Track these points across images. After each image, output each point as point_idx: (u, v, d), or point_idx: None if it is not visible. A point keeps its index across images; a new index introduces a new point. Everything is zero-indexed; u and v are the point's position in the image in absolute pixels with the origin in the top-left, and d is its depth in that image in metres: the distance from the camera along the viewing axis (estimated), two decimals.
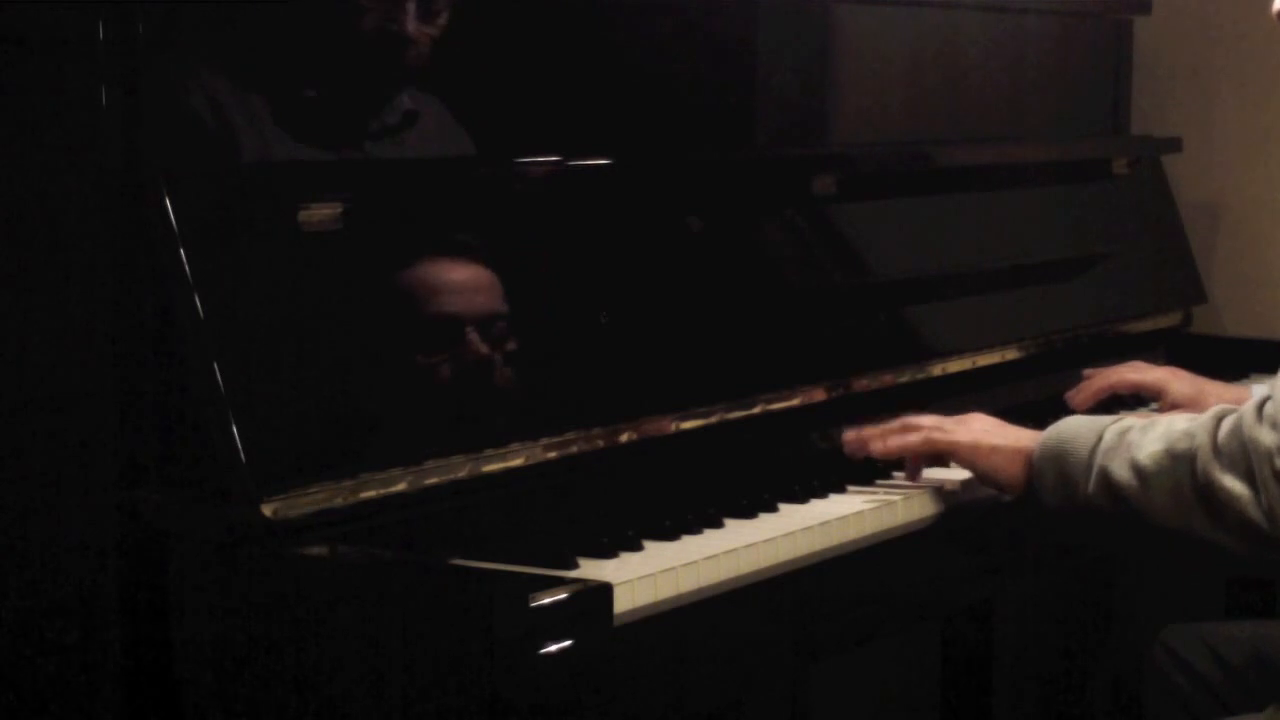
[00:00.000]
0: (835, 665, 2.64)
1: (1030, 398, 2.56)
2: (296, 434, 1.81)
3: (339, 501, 1.80)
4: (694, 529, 1.94)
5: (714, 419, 2.17)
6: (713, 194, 2.35)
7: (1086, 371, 2.60)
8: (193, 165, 1.89)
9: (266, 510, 1.75)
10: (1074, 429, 2.00)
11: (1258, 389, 2.46)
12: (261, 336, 1.82)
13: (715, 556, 1.85)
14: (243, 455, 1.75)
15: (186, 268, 1.79)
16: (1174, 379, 2.53)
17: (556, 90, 2.26)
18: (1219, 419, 1.85)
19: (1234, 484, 1.80)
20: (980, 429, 2.11)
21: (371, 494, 1.82)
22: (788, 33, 2.58)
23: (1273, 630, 2.37)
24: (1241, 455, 1.79)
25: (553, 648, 1.60)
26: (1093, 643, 3.26)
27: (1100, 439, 1.95)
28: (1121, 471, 1.91)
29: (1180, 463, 1.85)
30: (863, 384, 2.38)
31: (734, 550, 1.87)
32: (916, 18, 2.80)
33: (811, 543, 1.96)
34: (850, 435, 2.17)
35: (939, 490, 2.14)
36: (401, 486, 1.85)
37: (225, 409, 1.76)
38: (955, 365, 2.56)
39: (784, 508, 2.05)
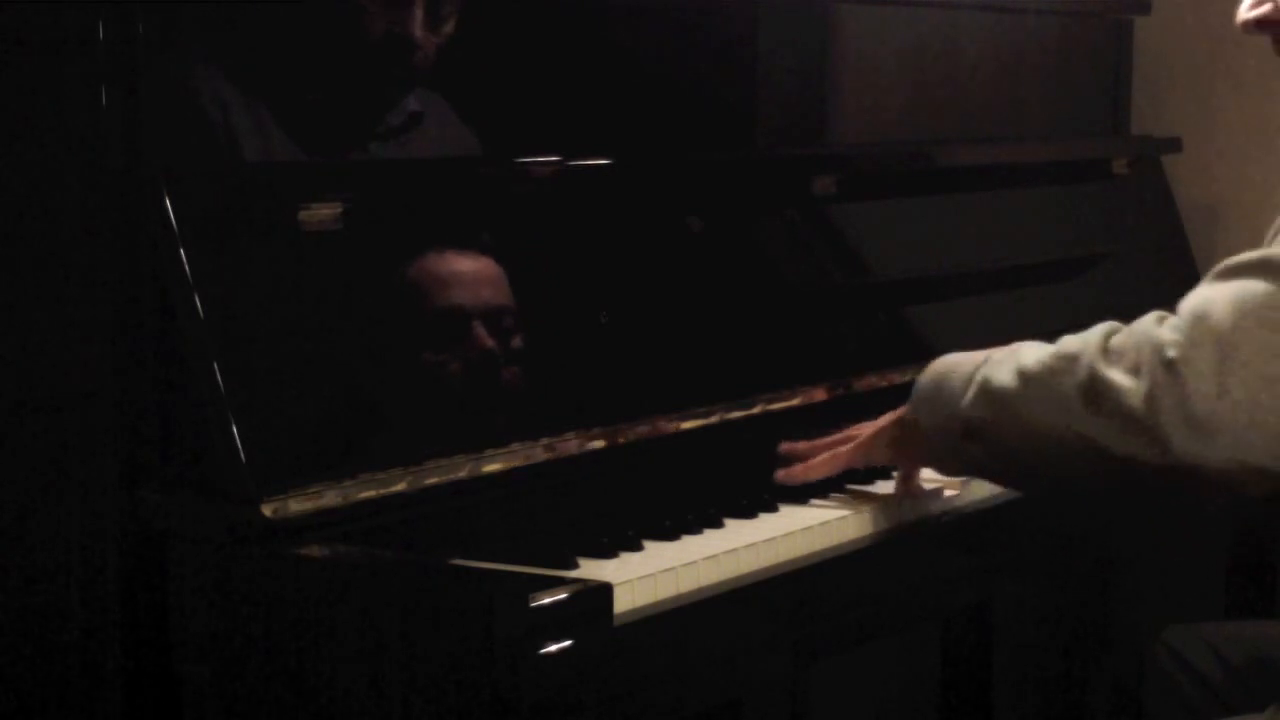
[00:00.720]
0: (835, 665, 2.64)
1: None
2: (296, 434, 1.81)
3: (339, 501, 1.80)
4: (694, 529, 1.94)
5: (714, 419, 2.17)
6: (713, 194, 2.35)
7: None
8: (193, 165, 1.89)
9: (266, 510, 1.75)
10: (960, 355, 1.96)
11: None
12: (261, 336, 1.82)
13: (715, 556, 1.85)
14: (243, 455, 1.75)
15: (186, 268, 1.79)
16: None
17: (557, 90, 2.26)
18: (1112, 330, 1.81)
19: (1118, 375, 1.75)
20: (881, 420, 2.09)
21: (371, 494, 1.82)
22: (788, 33, 2.58)
23: (1274, 630, 2.37)
24: (1133, 350, 1.75)
25: (553, 648, 1.60)
26: (1093, 643, 3.26)
27: (988, 358, 1.91)
28: (1004, 376, 1.85)
29: (1066, 361, 1.81)
30: (863, 384, 2.38)
31: (734, 550, 1.87)
32: (916, 18, 2.80)
33: (812, 543, 1.96)
34: (782, 475, 2.12)
35: (938, 491, 2.14)
36: (401, 486, 1.85)
37: (225, 409, 1.76)
38: None
39: (784, 508, 2.05)
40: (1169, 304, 3.07)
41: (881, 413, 2.24)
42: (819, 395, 2.31)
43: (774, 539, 1.92)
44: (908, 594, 2.14)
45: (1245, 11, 1.99)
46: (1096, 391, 1.77)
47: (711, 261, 2.31)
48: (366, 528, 1.81)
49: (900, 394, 2.43)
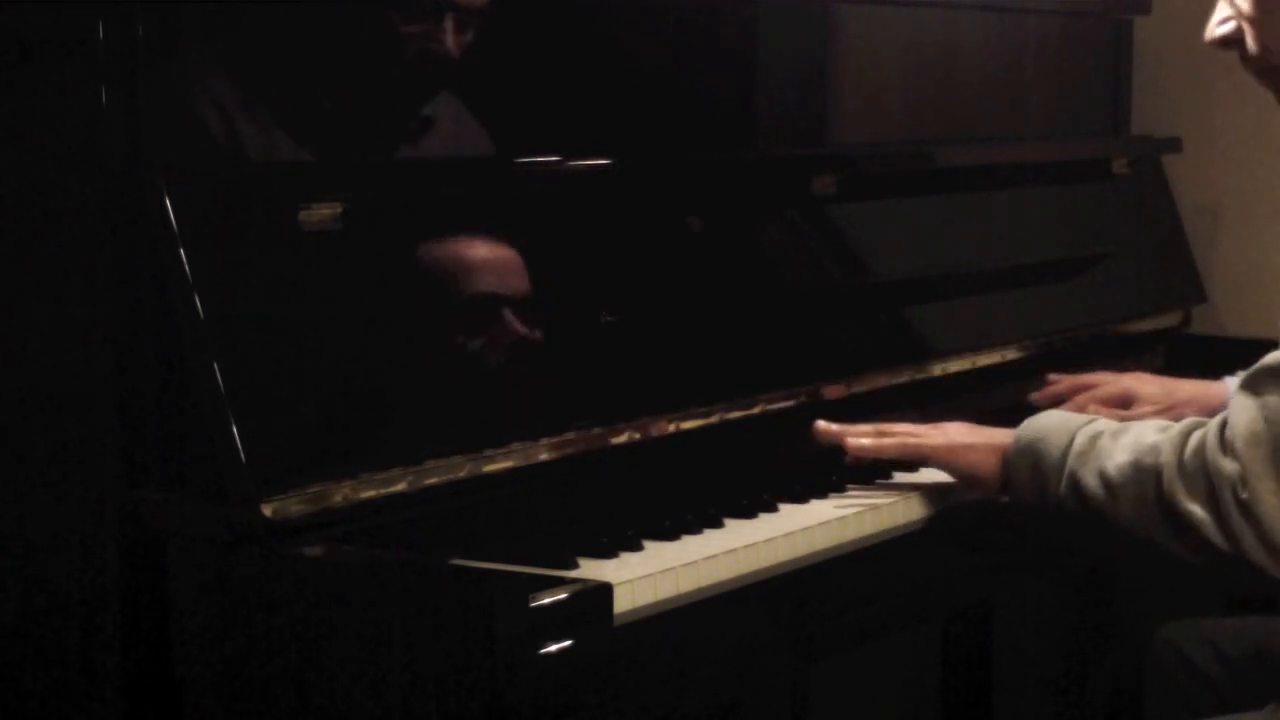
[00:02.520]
0: (835, 665, 2.64)
1: (1030, 398, 2.56)
2: (296, 434, 1.81)
3: (339, 501, 1.80)
4: (694, 529, 1.94)
5: (714, 419, 2.17)
6: (713, 194, 2.35)
7: (1051, 376, 2.59)
8: (193, 165, 1.89)
9: (266, 510, 1.75)
10: (1047, 427, 2.01)
11: (1231, 382, 2.46)
12: (261, 336, 1.82)
13: (715, 556, 1.85)
14: (243, 455, 1.75)
15: (186, 268, 1.79)
16: (1140, 383, 2.53)
17: (557, 91, 2.26)
18: (1187, 435, 1.87)
19: (1196, 509, 1.84)
20: (955, 431, 2.13)
21: (371, 494, 1.82)
22: (788, 33, 2.58)
23: (1274, 626, 2.36)
24: (1204, 479, 1.82)
25: (553, 648, 1.60)
26: (1093, 642, 3.26)
27: (1072, 440, 1.96)
28: (1090, 479, 1.93)
29: (1146, 476, 1.88)
30: (863, 384, 2.38)
31: (734, 550, 1.87)
32: (916, 18, 2.80)
33: (811, 543, 1.96)
34: (823, 425, 2.17)
35: (939, 490, 2.14)
36: (401, 486, 1.85)
37: (225, 409, 1.76)
38: (955, 365, 2.56)
39: (784, 508, 2.05)
40: (1169, 304, 3.07)
41: (882, 412, 2.25)
42: (819, 395, 2.30)
43: (774, 539, 1.92)
44: (908, 594, 2.14)
45: (1212, 29, 2.05)
46: (1179, 521, 1.87)
47: (712, 261, 2.31)
48: (366, 528, 1.81)
49: (901, 394, 2.43)
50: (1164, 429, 1.91)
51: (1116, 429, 1.95)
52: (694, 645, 1.82)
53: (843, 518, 2.02)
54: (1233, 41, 2.04)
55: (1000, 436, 2.08)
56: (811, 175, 2.48)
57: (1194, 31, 3.24)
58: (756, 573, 1.88)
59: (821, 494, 2.10)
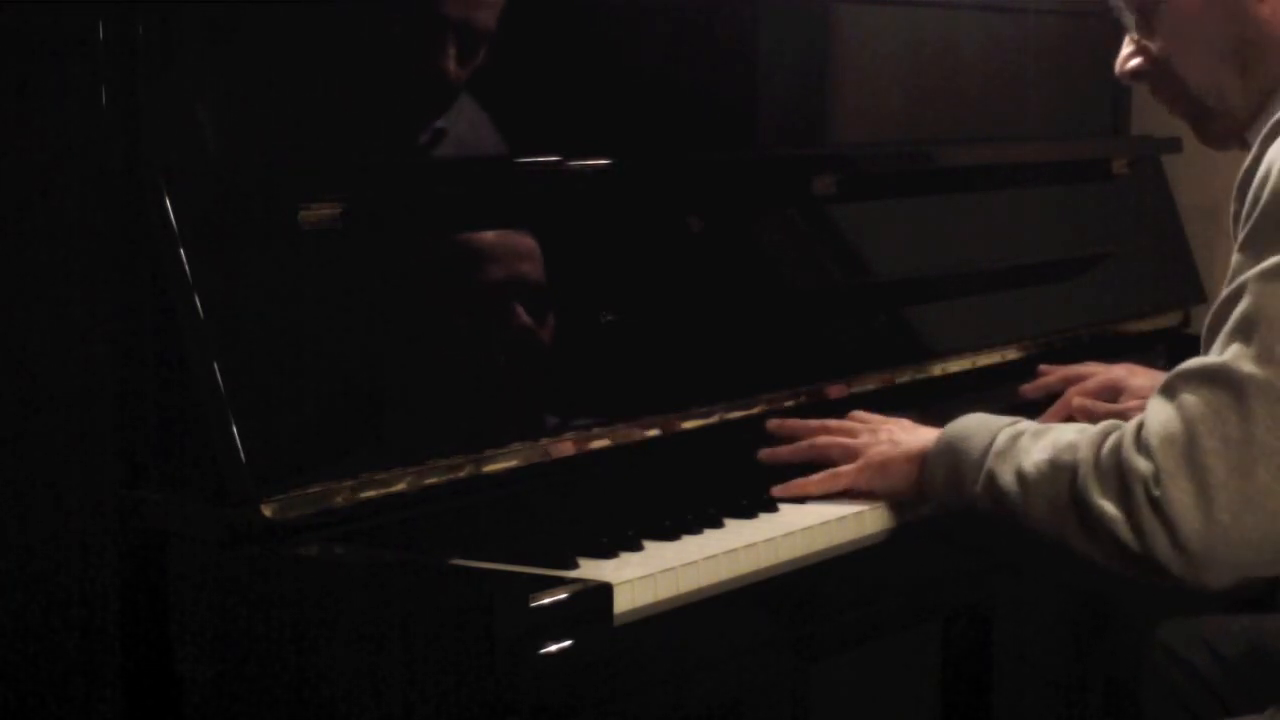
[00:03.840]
0: (835, 665, 2.64)
1: (1030, 398, 2.56)
2: (297, 434, 1.81)
3: (339, 501, 1.80)
4: (694, 529, 1.94)
5: (714, 419, 2.17)
6: (713, 194, 2.35)
7: (1042, 368, 2.59)
8: (193, 165, 1.89)
9: (266, 510, 1.75)
10: (970, 428, 2.00)
11: None
12: (261, 336, 1.82)
13: (715, 556, 1.85)
14: (243, 455, 1.75)
15: (186, 268, 1.79)
16: (1131, 375, 2.53)
17: (557, 90, 2.26)
18: (1105, 435, 1.85)
19: (1108, 506, 1.81)
20: (883, 442, 2.10)
21: (371, 494, 1.83)
22: (788, 33, 2.58)
23: (1270, 624, 2.36)
24: (1117, 477, 1.81)
25: (553, 648, 1.60)
26: (1092, 642, 3.26)
27: (994, 439, 1.95)
28: (1006, 476, 1.91)
29: (1061, 474, 1.86)
30: (863, 384, 2.38)
31: (734, 550, 1.87)
32: (916, 18, 2.80)
33: (812, 543, 1.96)
34: (766, 454, 2.16)
35: None
36: (401, 486, 1.85)
37: (225, 409, 1.76)
38: (955, 365, 2.56)
39: (784, 508, 2.04)
40: (1169, 304, 3.07)
41: (882, 412, 2.24)
42: (819, 395, 2.31)
43: (774, 539, 1.92)
44: (908, 594, 2.14)
45: (1120, 64, 2.07)
46: (1089, 519, 1.83)
47: (712, 261, 2.31)
48: (366, 528, 1.81)
49: (901, 394, 2.43)
50: (1084, 430, 1.90)
51: (1039, 429, 1.94)
52: (694, 645, 1.82)
53: (843, 518, 2.02)
54: (1141, 75, 2.06)
55: (920, 442, 2.06)
56: (811, 175, 2.48)
57: None
58: (756, 573, 1.88)
59: None
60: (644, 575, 1.77)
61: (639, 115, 2.36)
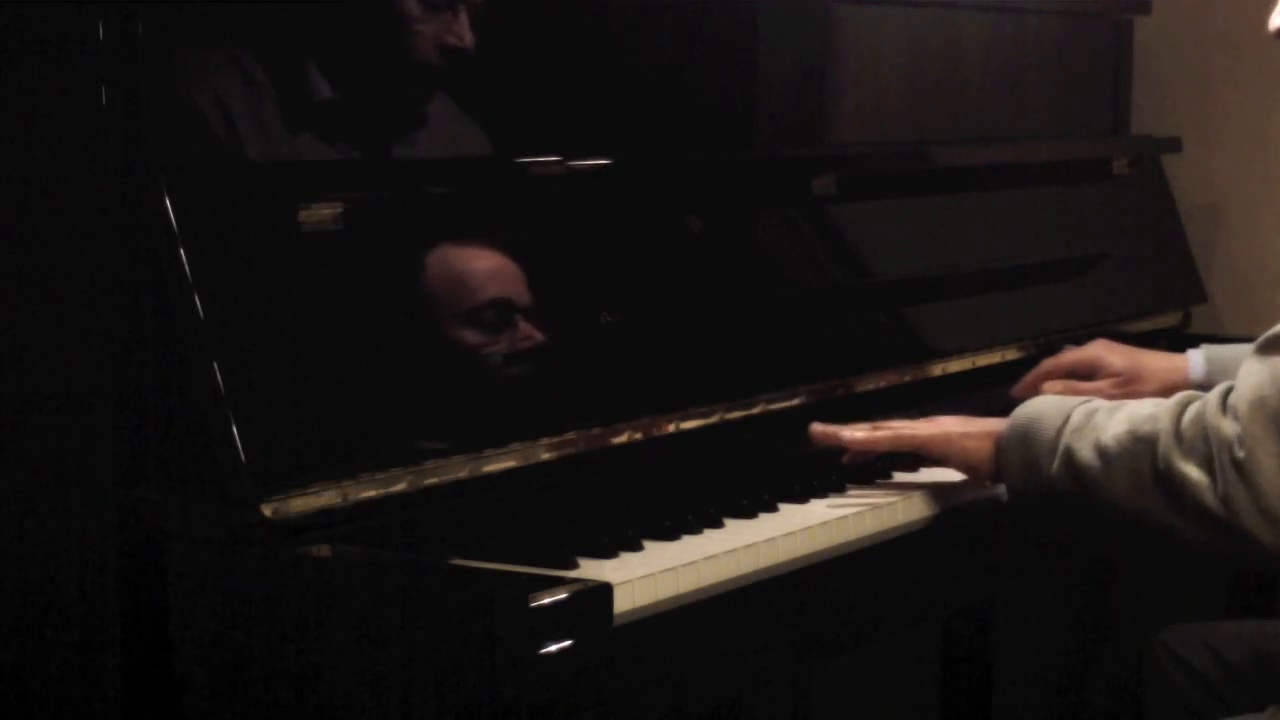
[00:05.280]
0: (835, 665, 2.64)
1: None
2: (296, 434, 1.81)
3: (339, 501, 1.80)
4: (694, 529, 1.94)
5: (714, 419, 2.17)
6: (713, 194, 2.35)
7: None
8: (192, 165, 1.89)
9: (266, 510, 1.75)
10: (1041, 409, 2.00)
11: (1195, 356, 2.46)
12: (261, 336, 1.82)
13: (715, 556, 1.85)
14: (243, 455, 1.75)
15: (186, 268, 1.79)
16: (1108, 352, 2.53)
17: (557, 91, 2.26)
18: (1184, 405, 1.85)
19: (1192, 470, 1.80)
20: (948, 422, 2.13)
21: (371, 494, 1.82)
22: (788, 33, 2.58)
23: (1273, 629, 2.37)
24: (1202, 442, 1.79)
25: (553, 648, 1.60)
26: (1093, 643, 3.26)
27: (1067, 419, 1.95)
28: (1085, 452, 1.90)
29: (1143, 445, 1.85)
30: (863, 384, 2.38)
31: (734, 550, 1.87)
32: (916, 18, 2.80)
33: (811, 543, 1.96)
34: (818, 428, 2.17)
35: (938, 490, 2.14)
36: (401, 486, 1.85)
37: (225, 409, 1.76)
38: (955, 365, 2.56)
39: (784, 508, 2.05)
40: (1169, 304, 3.07)
41: (882, 413, 2.25)
42: (819, 395, 2.30)
43: (774, 539, 1.92)
44: (908, 594, 2.15)
45: (1278, 18, 2.01)
46: (1174, 485, 1.83)
47: (712, 261, 2.31)
48: (366, 528, 1.81)
49: (901, 394, 2.43)
50: (1159, 403, 1.89)
51: (1112, 405, 1.94)
52: (694, 645, 1.82)
53: (843, 518, 2.02)
54: None
55: (995, 425, 2.07)
56: (811, 175, 2.48)
57: (1194, 31, 3.26)
58: (756, 573, 1.88)
59: (821, 494, 2.10)
60: (644, 575, 1.77)
61: (639, 115, 2.36)
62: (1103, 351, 2.53)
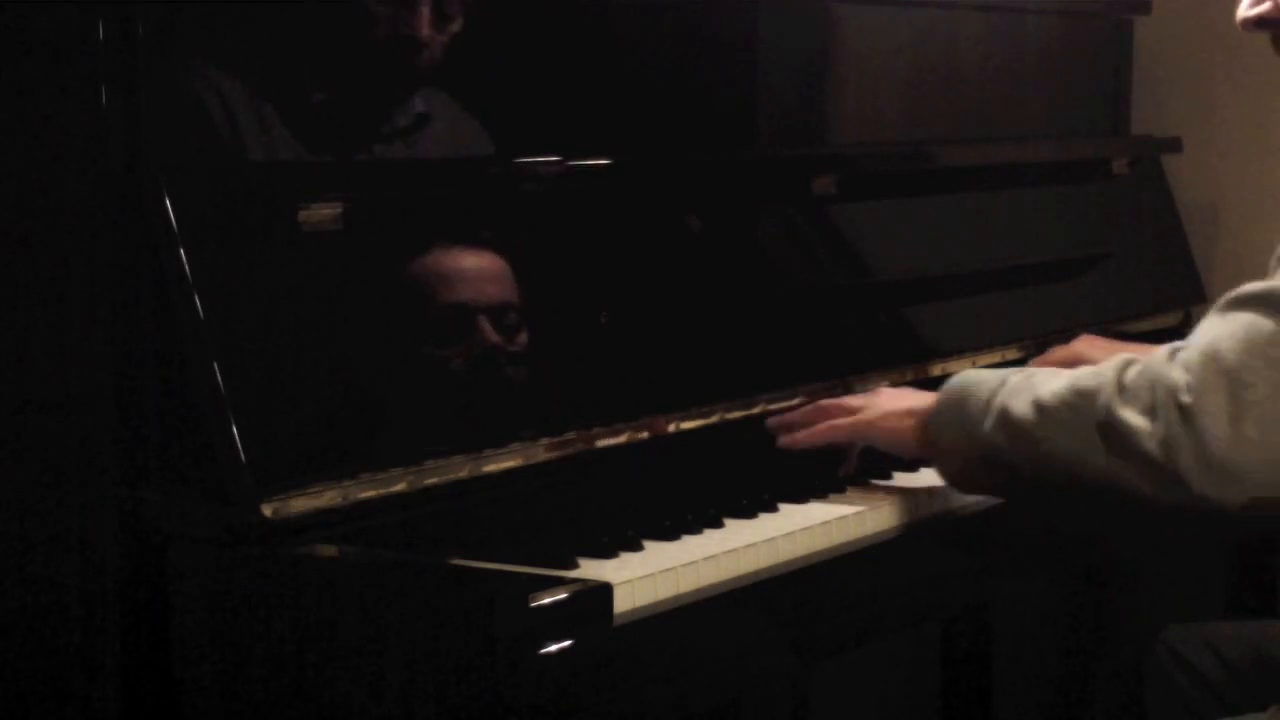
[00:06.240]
0: (835, 665, 2.64)
1: None
2: (296, 434, 1.81)
3: (339, 501, 1.80)
4: (694, 529, 1.94)
5: (714, 419, 2.17)
6: (713, 194, 2.35)
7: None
8: (192, 165, 1.89)
9: (266, 510, 1.75)
10: (978, 375, 1.98)
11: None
12: (261, 336, 1.82)
13: (715, 556, 1.85)
14: (243, 455, 1.75)
15: (186, 268, 1.79)
16: (1090, 348, 2.52)
17: (557, 91, 2.26)
18: (1128, 363, 1.83)
19: (1134, 417, 1.77)
20: (881, 399, 2.13)
21: (371, 494, 1.82)
22: (788, 33, 2.58)
23: (1274, 629, 2.37)
24: (1147, 390, 1.77)
25: (553, 648, 1.60)
26: (1093, 643, 3.26)
27: (1004, 382, 1.92)
28: (1022, 407, 1.87)
29: (1083, 398, 1.83)
30: (863, 384, 2.38)
31: (734, 550, 1.87)
32: (916, 18, 2.80)
33: (812, 543, 1.96)
34: (783, 440, 2.17)
35: (939, 490, 2.14)
36: (401, 486, 1.85)
37: (225, 409, 1.76)
38: (955, 365, 2.56)
39: (784, 508, 2.05)
40: (1169, 304, 3.07)
41: None
42: (819, 395, 2.30)
43: (774, 539, 1.92)
44: (908, 594, 2.14)
45: (1245, 10, 2.00)
46: (1114, 432, 1.79)
47: (711, 261, 2.31)
48: (366, 528, 1.81)
49: None
50: (1100, 368, 1.87)
51: (1055, 370, 1.91)
52: (694, 645, 1.82)
53: (843, 517, 2.02)
54: (1269, 21, 1.99)
55: (920, 399, 2.06)
56: (811, 175, 2.48)
57: (1194, 31, 3.26)
58: (756, 573, 1.88)
59: (821, 494, 2.10)
60: (644, 575, 1.76)
61: (639, 115, 2.36)
62: (1085, 348, 2.53)
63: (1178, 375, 1.75)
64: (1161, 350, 1.80)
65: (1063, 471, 1.84)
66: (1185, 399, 1.73)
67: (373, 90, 2.16)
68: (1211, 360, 1.74)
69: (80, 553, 1.89)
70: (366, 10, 2.10)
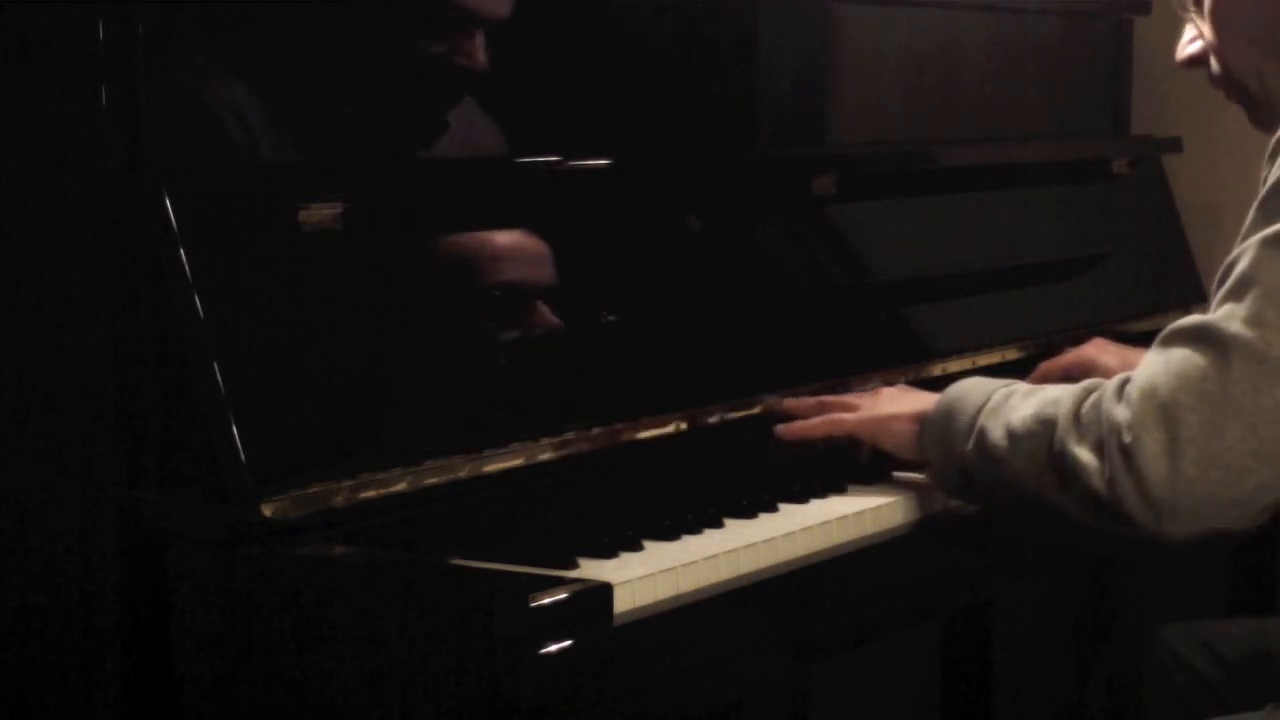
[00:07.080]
0: (835, 665, 2.64)
1: None
2: (296, 434, 1.81)
3: (339, 501, 1.80)
4: (694, 529, 1.94)
5: (714, 419, 2.17)
6: (713, 194, 2.35)
7: (1042, 366, 2.59)
8: (192, 165, 1.89)
9: (266, 510, 1.75)
10: (966, 389, 2.00)
11: None
12: (261, 336, 1.82)
13: (715, 556, 1.85)
14: (243, 455, 1.75)
15: (186, 268, 1.79)
16: (1101, 352, 2.54)
17: (557, 90, 2.26)
18: (1088, 391, 1.86)
19: (1084, 453, 1.81)
20: (884, 400, 2.14)
21: (371, 494, 1.82)
22: (788, 33, 2.58)
23: (1273, 628, 2.37)
24: (1096, 425, 1.80)
25: (553, 648, 1.60)
26: (1092, 642, 3.26)
27: (988, 399, 1.95)
28: (996, 432, 1.91)
29: (1044, 426, 1.86)
30: (863, 383, 2.38)
31: (734, 550, 1.87)
32: (916, 18, 2.80)
33: (811, 543, 1.96)
34: (780, 429, 2.19)
35: (939, 490, 2.14)
36: (401, 486, 1.85)
37: (225, 409, 1.76)
38: (955, 365, 2.56)
39: (784, 508, 2.05)
40: (1169, 304, 3.07)
41: None
42: (819, 395, 2.30)
43: (774, 539, 1.92)
44: (908, 594, 2.15)
45: (1181, 49, 2.06)
46: (1065, 468, 1.83)
47: (712, 261, 2.31)
48: (366, 528, 1.81)
49: None
50: (1069, 388, 1.89)
51: (1031, 388, 1.94)
52: (694, 645, 1.82)
53: (843, 517, 2.02)
54: (1199, 61, 2.05)
55: (925, 402, 2.07)
56: (811, 175, 2.48)
57: None
58: (756, 573, 1.88)
59: (821, 494, 2.10)
60: (644, 575, 1.77)
61: (639, 115, 2.36)
62: (1096, 352, 2.54)
63: (1120, 414, 1.78)
64: (1113, 383, 1.83)
65: (1023, 498, 1.89)
66: (1126, 439, 1.77)
67: (372, 90, 2.16)
68: (1148, 397, 1.77)
69: (80, 553, 1.89)
70: (364, 9, 2.10)
